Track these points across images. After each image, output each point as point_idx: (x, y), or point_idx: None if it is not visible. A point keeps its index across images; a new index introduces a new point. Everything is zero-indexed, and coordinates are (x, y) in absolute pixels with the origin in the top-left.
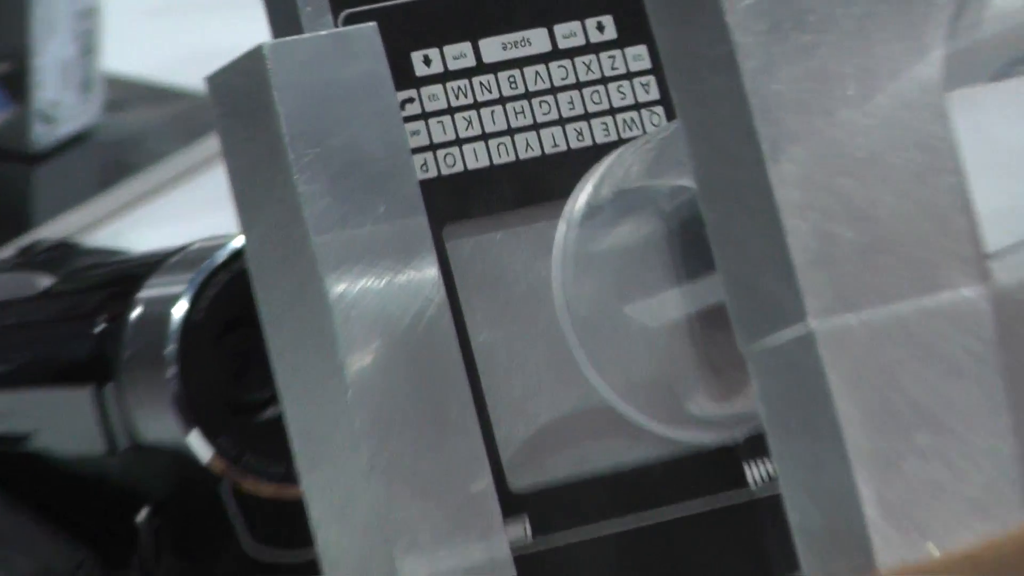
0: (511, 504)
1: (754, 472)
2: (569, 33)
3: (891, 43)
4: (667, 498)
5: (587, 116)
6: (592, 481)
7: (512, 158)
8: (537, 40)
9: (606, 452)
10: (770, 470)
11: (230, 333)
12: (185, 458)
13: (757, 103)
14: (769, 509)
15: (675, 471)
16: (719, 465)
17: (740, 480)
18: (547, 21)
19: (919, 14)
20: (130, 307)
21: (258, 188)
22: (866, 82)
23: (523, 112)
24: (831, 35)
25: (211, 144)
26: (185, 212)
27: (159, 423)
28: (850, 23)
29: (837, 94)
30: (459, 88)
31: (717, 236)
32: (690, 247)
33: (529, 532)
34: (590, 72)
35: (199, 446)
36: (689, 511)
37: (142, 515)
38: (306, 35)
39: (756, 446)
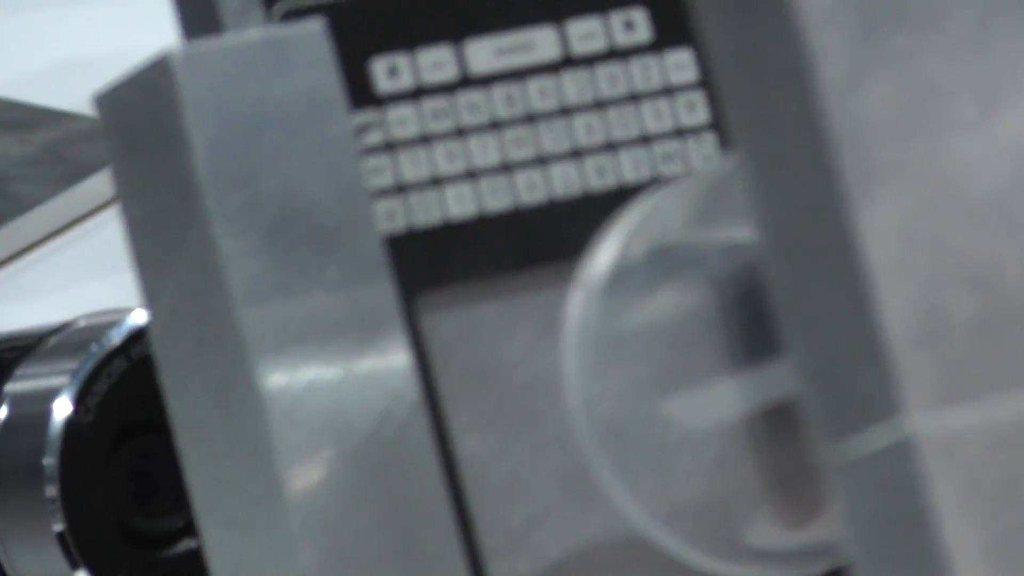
0: None
1: None
2: (587, 33)
3: (1022, 47)
4: None
5: (612, 146)
6: None
7: (509, 203)
8: (543, 43)
9: None
10: None
11: (128, 441)
12: None
13: (841, 128)
14: None
15: None
16: None
17: None
18: (557, 17)
19: None
20: None
21: (165, 245)
22: (988, 100)
23: (525, 141)
24: (941, 35)
25: (98, 187)
26: (63, 278)
27: (35, 560)
28: (967, 21)
29: (949, 116)
30: (438, 109)
31: (788, 308)
32: (751, 323)
33: None
34: (616, 86)
35: None
36: None
37: None
38: (229, 38)
39: None
